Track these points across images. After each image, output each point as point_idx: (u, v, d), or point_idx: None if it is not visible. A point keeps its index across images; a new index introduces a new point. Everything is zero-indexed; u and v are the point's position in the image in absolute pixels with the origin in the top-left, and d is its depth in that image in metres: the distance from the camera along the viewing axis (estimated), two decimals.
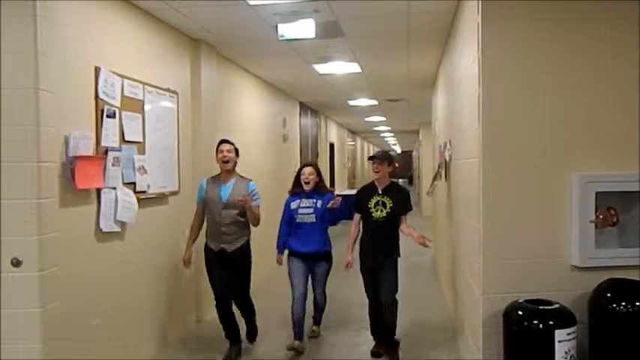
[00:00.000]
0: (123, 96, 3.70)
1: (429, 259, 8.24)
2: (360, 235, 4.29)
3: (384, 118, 14.45)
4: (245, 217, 4.15)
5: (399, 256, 4.21)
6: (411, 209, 4.25)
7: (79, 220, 3.22)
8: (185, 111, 4.84)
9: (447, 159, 5.01)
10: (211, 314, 5.11)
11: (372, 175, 4.29)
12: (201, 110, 5.08)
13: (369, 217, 4.17)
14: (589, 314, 2.81)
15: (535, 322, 2.68)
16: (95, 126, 3.38)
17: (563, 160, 2.93)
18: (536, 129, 2.94)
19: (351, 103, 10.51)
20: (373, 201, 4.18)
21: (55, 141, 2.98)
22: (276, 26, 4.48)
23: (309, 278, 4.42)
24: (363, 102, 10.42)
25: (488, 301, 2.97)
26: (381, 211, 4.14)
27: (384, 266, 4.13)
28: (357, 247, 4.36)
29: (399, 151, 41.26)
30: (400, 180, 42.73)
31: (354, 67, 6.69)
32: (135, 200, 3.73)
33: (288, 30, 4.48)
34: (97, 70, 3.40)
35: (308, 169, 4.40)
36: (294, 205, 4.37)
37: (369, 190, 4.27)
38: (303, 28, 4.44)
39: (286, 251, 4.45)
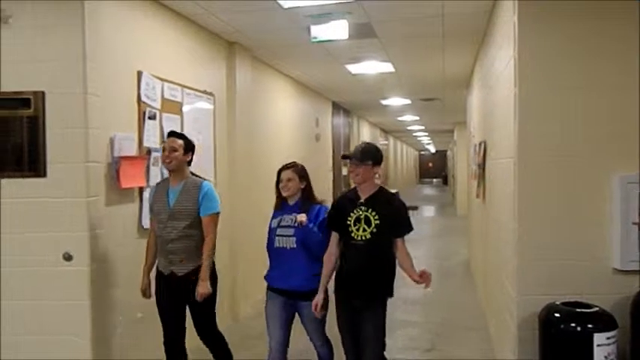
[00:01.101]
0: (163, 98, 3.84)
1: (463, 261, 8.18)
2: (338, 264, 3.01)
3: (417, 118, 14.36)
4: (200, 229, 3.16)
5: (389, 295, 2.95)
6: (408, 230, 2.95)
7: (122, 217, 3.37)
8: (221, 112, 4.96)
9: (483, 159, 4.98)
10: (246, 311, 5.23)
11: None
12: (236, 111, 5.19)
13: (348, 240, 2.91)
14: (631, 318, 2.76)
15: (573, 324, 2.65)
16: (138, 127, 3.52)
17: (601, 161, 2.89)
18: (573, 129, 2.91)
19: (384, 102, 10.50)
20: (353, 216, 2.89)
21: (101, 142, 3.13)
22: (309, 28, 4.55)
23: (301, 324, 3.18)
24: (396, 101, 10.39)
25: (523, 303, 2.95)
26: (364, 230, 2.86)
27: (366, 315, 2.87)
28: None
29: (433, 150, 40.84)
30: (434, 180, 42.42)
31: (387, 67, 6.70)
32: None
33: (321, 31, 4.54)
34: (140, 74, 3.54)
35: (286, 173, 3.11)
36: (274, 223, 3.14)
37: (348, 201, 2.98)
38: (336, 30, 4.50)
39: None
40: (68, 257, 2.94)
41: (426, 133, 22.91)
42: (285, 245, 3.05)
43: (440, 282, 6.59)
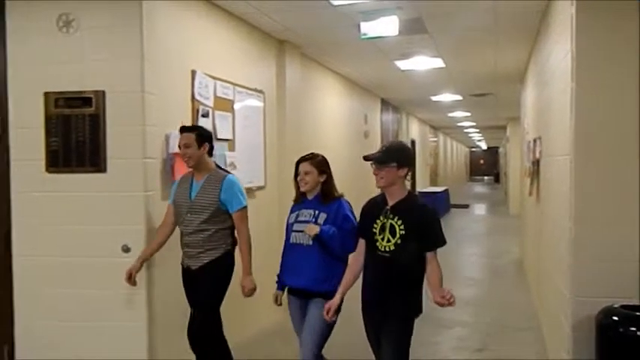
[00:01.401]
0: (215, 96, 3.94)
1: (515, 260, 7.96)
2: (363, 273, 2.78)
3: (468, 114, 14.06)
4: (221, 223, 3.11)
5: (415, 313, 2.65)
6: (438, 243, 2.61)
7: None
8: (271, 109, 5.05)
9: (537, 156, 4.83)
10: None
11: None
12: (286, 108, 5.26)
13: (373, 249, 2.66)
14: None
15: (632, 329, 2.54)
16: (192, 124, 3.63)
17: None
18: (632, 125, 2.78)
19: (434, 98, 10.34)
20: (379, 223, 2.63)
21: (157, 139, 3.26)
22: (359, 25, 4.54)
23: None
24: (446, 97, 10.22)
25: (578, 304, 2.85)
26: (388, 240, 2.59)
27: (387, 333, 2.60)
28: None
29: (484, 147, 39.85)
30: (485, 177, 41.35)
31: (438, 63, 6.59)
32: None
33: (371, 28, 4.53)
34: (193, 73, 3.65)
35: (303, 166, 2.95)
36: (291, 217, 3.01)
37: (376, 206, 2.72)
38: (386, 26, 4.47)
39: None
40: (126, 249, 3.08)
41: (477, 130, 22.37)
42: (301, 241, 2.90)
43: (491, 281, 6.44)
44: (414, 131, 14.59)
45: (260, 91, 4.78)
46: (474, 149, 43.00)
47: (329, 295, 2.77)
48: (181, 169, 3.38)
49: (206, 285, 3.10)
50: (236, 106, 4.28)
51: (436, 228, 2.62)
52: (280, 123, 5.21)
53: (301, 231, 2.89)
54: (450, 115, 14.20)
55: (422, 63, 6.60)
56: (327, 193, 2.94)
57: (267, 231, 4.75)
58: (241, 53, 4.51)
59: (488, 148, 39.16)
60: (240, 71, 4.42)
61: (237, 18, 4.38)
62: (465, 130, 22.34)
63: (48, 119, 3.19)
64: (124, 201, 3.09)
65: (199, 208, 3.06)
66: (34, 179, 3.23)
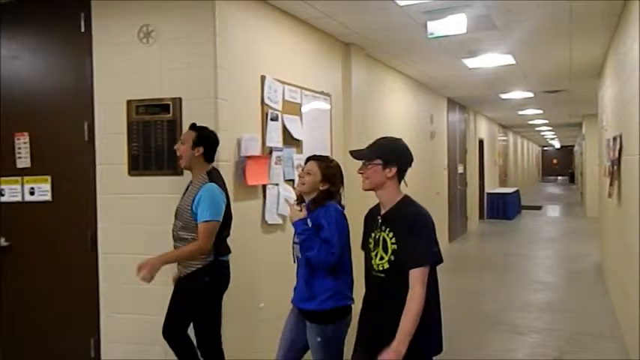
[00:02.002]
0: (284, 100, 4.04)
1: (593, 265, 7.54)
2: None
3: (540, 111, 13.46)
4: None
5: (432, 351, 2.14)
6: (421, 259, 2.02)
7: (248, 212, 3.61)
8: (337, 111, 5.09)
9: (617, 154, 4.56)
10: None
11: None
12: (352, 110, 5.29)
13: (369, 269, 2.23)
14: None
15: None
16: (261, 128, 3.74)
17: None
18: None
19: (503, 96, 10.00)
20: (373, 237, 2.22)
21: (229, 143, 3.38)
22: (426, 24, 4.49)
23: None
24: (516, 95, 9.84)
25: None
26: (381, 258, 2.14)
27: None
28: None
29: (557, 145, 38.05)
30: (559, 177, 39.32)
31: (508, 59, 6.38)
32: (294, 196, 4.04)
33: (438, 27, 4.47)
34: (263, 78, 3.76)
35: (310, 164, 2.73)
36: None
37: (371, 217, 2.33)
38: (454, 24, 4.40)
39: None
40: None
41: (550, 128, 21.36)
42: (298, 254, 2.68)
43: (567, 286, 6.15)
44: (482, 130, 14.17)
45: (327, 94, 4.84)
46: (546, 148, 41.12)
47: (313, 316, 2.59)
48: (252, 172, 3.49)
49: (172, 303, 2.93)
50: (303, 109, 4.36)
51: (421, 237, 2.04)
52: (346, 125, 5.24)
53: (295, 242, 2.67)
54: (521, 113, 13.66)
55: (491, 60, 6.41)
56: (318, 200, 2.64)
57: None
58: (308, 57, 4.59)
59: (562, 146, 37.35)
60: (307, 75, 4.50)
61: (304, 23, 4.46)
62: (537, 129, 21.40)
63: (130, 125, 3.40)
64: None
65: (179, 213, 2.93)
66: (118, 182, 3.45)
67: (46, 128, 3.63)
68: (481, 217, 13.48)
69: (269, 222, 3.80)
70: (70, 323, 3.58)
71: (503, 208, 13.58)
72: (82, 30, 3.51)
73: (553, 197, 22.48)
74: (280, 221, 3.93)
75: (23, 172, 3.63)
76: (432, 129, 8.84)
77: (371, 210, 2.36)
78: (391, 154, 2.22)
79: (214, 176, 2.95)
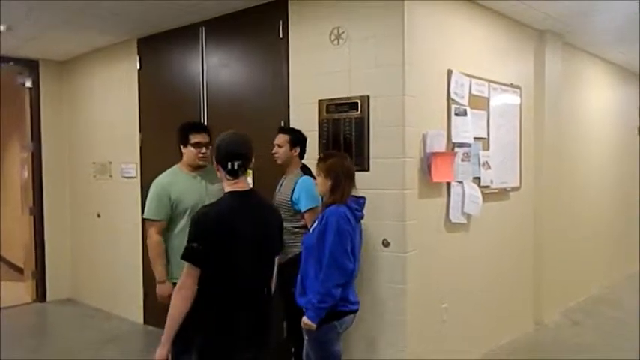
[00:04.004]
0: (470, 94, 3.88)
1: None
2: None
3: None
4: (292, 222, 3.23)
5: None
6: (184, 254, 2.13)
7: (432, 210, 3.55)
8: (528, 105, 4.72)
9: None
10: (551, 318, 4.87)
11: None
12: (545, 103, 4.85)
13: None
14: None
15: None
16: (447, 124, 3.65)
17: None
18: None
19: None
20: None
21: (415, 139, 3.36)
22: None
23: None
24: None
25: None
26: None
27: None
28: None
29: None
30: None
31: None
32: (480, 194, 3.87)
33: None
34: (450, 72, 3.66)
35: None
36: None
37: None
38: None
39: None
40: (387, 243, 3.25)
41: None
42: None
43: None
44: None
45: (516, 87, 4.52)
46: None
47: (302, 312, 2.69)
48: (438, 169, 3.42)
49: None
50: (491, 104, 4.14)
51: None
52: (538, 120, 4.84)
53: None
54: None
55: None
56: (327, 202, 2.78)
57: (517, 235, 4.48)
58: (496, 48, 4.33)
59: None
60: (495, 67, 4.26)
61: (493, 12, 4.22)
62: None
63: (321, 123, 3.59)
64: (384, 198, 3.26)
65: (277, 206, 3.13)
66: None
67: (248, 127, 4.01)
68: None
69: (453, 221, 3.69)
70: None
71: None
72: (280, 36, 3.81)
73: None
74: (464, 221, 3.79)
75: None
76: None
77: None
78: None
79: (307, 171, 3.32)
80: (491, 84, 4.15)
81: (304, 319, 2.64)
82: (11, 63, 5.73)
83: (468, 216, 3.83)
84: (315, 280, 2.66)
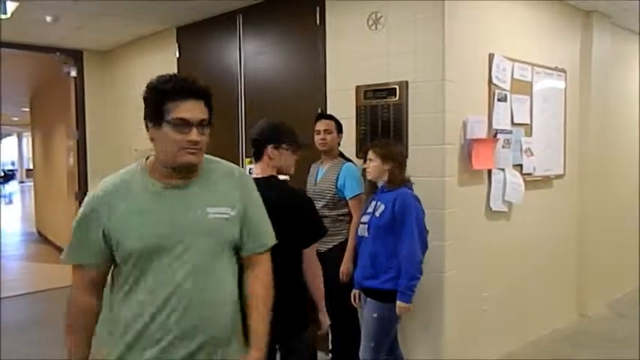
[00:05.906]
0: (512, 79, 3.76)
1: None
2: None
3: None
4: (337, 210, 3.24)
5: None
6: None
7: (472, 198, 3.48)
8: (573, 90, 4.55)
9: None
10: (595, 311, 4.73)
11: None
12: (591, 88, 4.66)
13: None
14: None
15: None
16: (488, 110, 3.56)
17: None
18: None
19: None
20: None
21: (455, 125, 3.29)
22: None
23: None
24: None
25: None
26: None
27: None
28: None
29: None
30: None
31: None
32: (522, 182, 3.77)
33: None
34: (491, 56, 3.56)
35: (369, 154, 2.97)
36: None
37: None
38: None
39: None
40: (426, 232, 3.20)
41: None
42: (362, 234, 2.89)
43: None
44: None
45: (561, 70, 4.36)
46: None
47: (375, 294, 2.77)
48: (479, 156, 3.36)
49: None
50: (534, 88, 4.01)
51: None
52: (584, 105, 4.66)
53: (364, 223, 2.87)
54: None
55: None
56: (391, 179, 2.83)
57: (561, 224, 4.36)
58: (541, 30, 4.18)
59: None
60: (539, 50, 4.11)
61: None
62: None
63: (358, 109, 3.55)
64: (424, 185, 3.18)
65: (321, 192, 3.21)
66: None
67: (284, 114, 4.01)
68: None
69: (493, 209, 3.61)
70: None
71: None
72: (317, 23, 3.78)
73: None
74: (505, 209, 3.71)
75: None
76: None
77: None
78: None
79: (345, 157, 3.35)
80: (535, 68, 4.01)
81: (400, 304, 2.68)
82: (57, 53, 5.92)
83: (510, 204, 3.74)
84: (389, 259, 2.74)
